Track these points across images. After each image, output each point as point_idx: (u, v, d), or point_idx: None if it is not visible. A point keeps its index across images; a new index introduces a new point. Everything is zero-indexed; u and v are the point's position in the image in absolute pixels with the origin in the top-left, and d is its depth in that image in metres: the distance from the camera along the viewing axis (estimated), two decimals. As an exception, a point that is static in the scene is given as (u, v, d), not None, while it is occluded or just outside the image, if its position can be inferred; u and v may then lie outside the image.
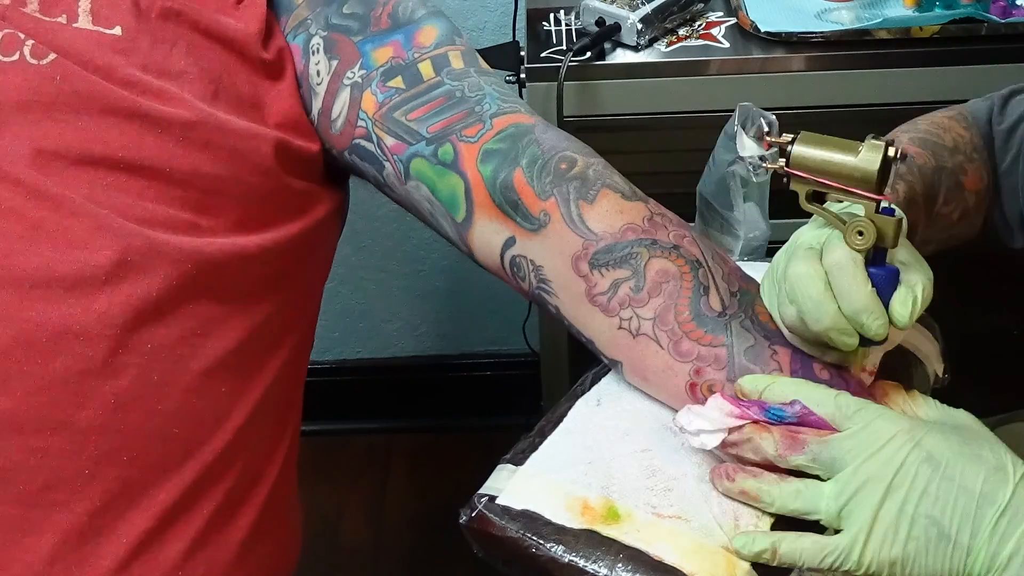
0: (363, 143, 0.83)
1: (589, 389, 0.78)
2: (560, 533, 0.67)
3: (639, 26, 1.23)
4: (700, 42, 1.25)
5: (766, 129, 0.79)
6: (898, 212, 0.68)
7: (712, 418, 0.68)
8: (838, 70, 1.22)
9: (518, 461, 0.73)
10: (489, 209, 0.79)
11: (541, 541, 0.67)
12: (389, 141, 0.82)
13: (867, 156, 0.66)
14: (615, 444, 0.73)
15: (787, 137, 0.69)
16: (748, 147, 0.78)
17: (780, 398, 0.68)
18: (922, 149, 0.85)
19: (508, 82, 1.31)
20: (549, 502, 0.69)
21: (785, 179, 0.69)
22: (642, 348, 0.73)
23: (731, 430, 0.68)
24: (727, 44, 1.24)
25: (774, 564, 0.65)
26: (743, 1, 1.27)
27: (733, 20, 1.28)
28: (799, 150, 0.68)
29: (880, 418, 0.65)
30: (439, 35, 0.85)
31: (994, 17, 1.20)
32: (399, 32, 0.85)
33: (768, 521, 0.67)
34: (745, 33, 1.25)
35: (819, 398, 0.67)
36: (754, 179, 0.79)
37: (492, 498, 0.70)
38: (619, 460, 0.71)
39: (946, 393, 0.75)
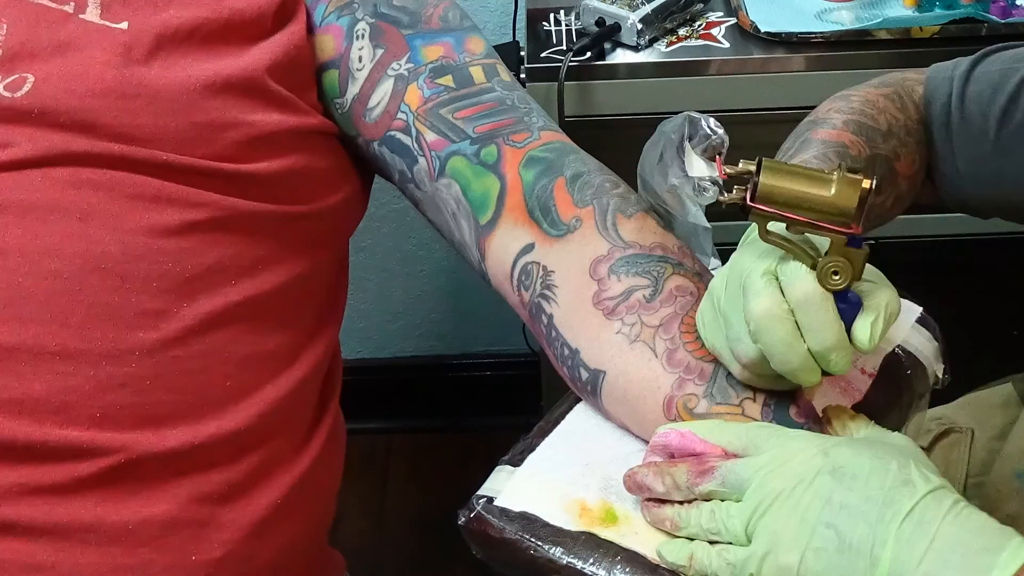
0: (399, 135, 0.83)
1: None
2: (558, 535, 0.67)
3: (639, 26, 1.23)
4: (700, 42, 1.25)
5: (718, 146, 0.74)
6: (864, 245, 0.64)
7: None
8: (838, 70, 1.22)
9: (516, 462, 0.73)
10: (518, 214, 0.79)
11: (539, 543, 0.67)
12: (430, 137, 0.82)
13: (845, 192, 0.62)
14: (613, 446, 0.73)
15: (747, 166, 0.65)
16: (698, 167, 0.73)
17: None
18: (856, 136, 0.82)
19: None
20: (547, 504, 0.69)
21: (741, 207, 0.65)
22: (635, 357, 0.72)
23: (644, 465, 0.67)
24: (727, 44, 1.24)
25: (690, 574, 0.64)
26: (743, 1, 1.27)
27: (733, 20, 1.28)
28: (767, 182, 0.63)
29: (793, 439, 0.64)
30: (486, 47, 0.87)
31: (994, 17, 1.20)
32: (450, 35, 0.86)
33: None
34: (745, 33, 1.25)
35: (731, 435, 0.65)
36: (699, 201, 0.75)
37: (490, 499, 0.70)
38: (617, 462, 0.71)
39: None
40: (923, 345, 0.78)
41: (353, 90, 0.84)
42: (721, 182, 0.68)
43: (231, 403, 0.75)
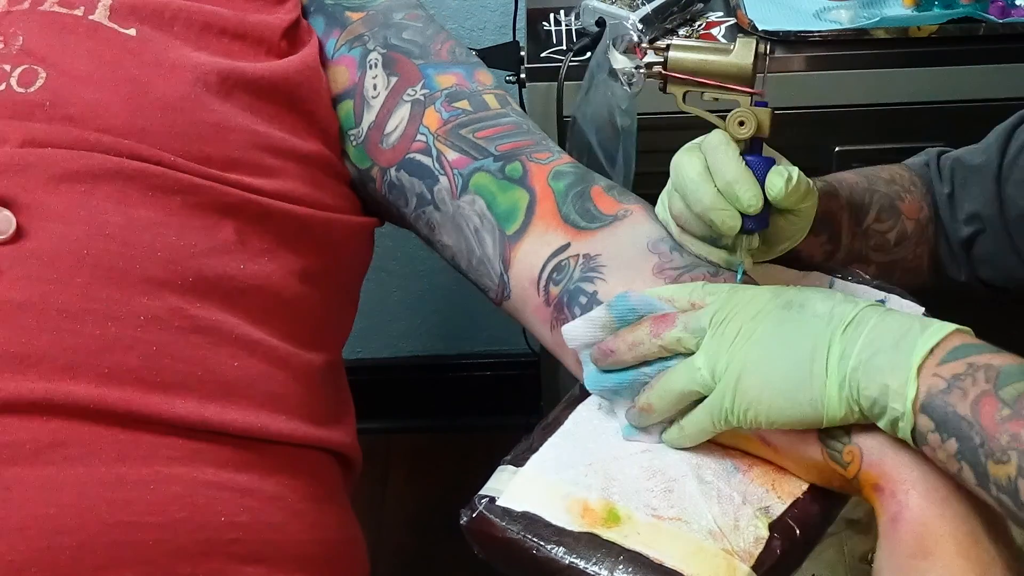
0: (418, 157, 0.84)
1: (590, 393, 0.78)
2: (560, 535, 0.67)
3: (639, 26, 1.23)
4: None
5: (636, 41, 0.83)
6: (769, 105, 0.72)
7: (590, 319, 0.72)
8: (836, 70, 1.23)
9: (519, 462, 0.72)
10: (550, 219, 0.79)
11: (542, 543, 0.67)
12: (452, 155, 0.83)
13: (740, 53, 0.71)
14: (615, 445, 0.73)
15: (662, 44, 0.74)
16: (620, 60, 0.80)
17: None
18: (855, 176, 0.89)
19: (508, 82, 1.32)
20: (549, 504, 0.69)
21: (661, 85, 0.73)
22: None
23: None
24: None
25: (686, 438, 0.69)
26: (742, 0, 1.27)
27: (733, 20, 1.29)
28: (675, 55, 0.72)
29: (745, 288, 0.69)
30: (495, 81, 0.89)
31: (992, 17, 1.20)
32: (460, 66, 0.88)
33: (766, 520, 0.67)
34: (744, 32, 1.25)
35: (687, 291, 0.71)
36: (629, 90, 0.80)
37: (493, 499, 0.70)
38: (619, 462, 0.71)
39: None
40: None
41: (369, 118, 0.85)
42: (643, 68, 0.79)
43: (239, 389, 0.75)
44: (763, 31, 1.23)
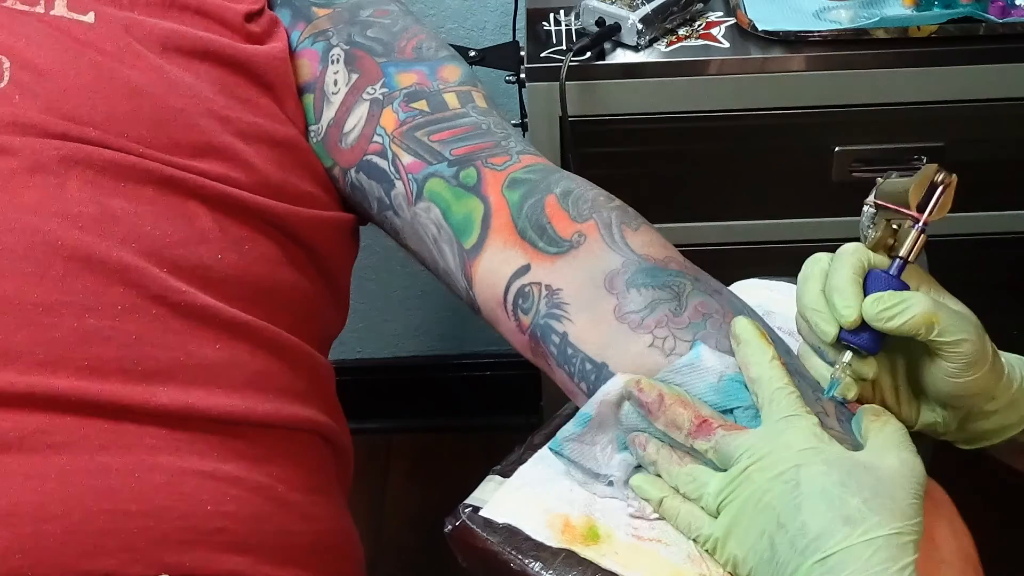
0: (375, 159, 0.83)
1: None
2: (538, 550, 0.67)
3: (639, 26, 1.23)
4: (700, 42, 1.25)
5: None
6: (923, 230, 0.67)
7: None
8: (836, 70, 1.23)
9: (507, 473, 0.72)
10: (507, 236, 0.77)
11: (519, 556, 0.67)
12: (406, 159, 0.81)
13: (917, 181, 0.68)
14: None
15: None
16: (867, 203, 0.75)
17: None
18: None
19: (508, 82, 1.32)
20: (531, 517, 0.69)
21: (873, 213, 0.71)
22: None
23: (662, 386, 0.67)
24: (727, 44, 1.25)
25: (658, 513, 0.67)
26: (742, 0, 1.27)
27: (733, 20, 1.29)
28: (881, 188, 0.71)
29: (794, 429, 0.63)
30: (462, 75, 0.86)
31: (992, 17, 1.20)
32: (423, 64, 0.86)
33: None
34: (744, 33, 1.25)
35: (768, 377, 0.66)
36: (867, 233, 0.78)
37: (476, 509, 0.70)
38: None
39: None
40: None
41: (328, 114, 0.84)
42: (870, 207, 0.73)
43: (223, 370, 0.74)
44: (763, 31, 1.23)
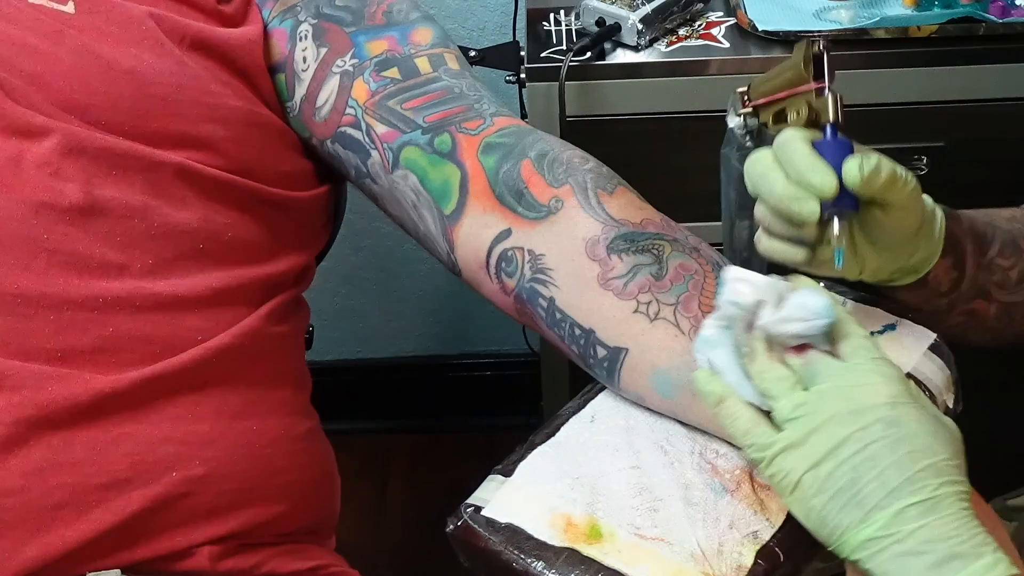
0: (349, 130, 0.83)
1: (585, 406, 0.78)
2: (541, 549, 0.67)
3: (639, 26, 1.23)
4: (700, 42, 1.25)
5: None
6: (829, 92, 0.72)
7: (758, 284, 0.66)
8: (836, 70, 1.22)
9: (508, 472, 0.73)
10: (485, 200, 0.78)
11: (522, 556, 0.67)
12: (380, 129, 0.82)
13: (794, 57, 0.73)
14: (604, 460, 0.73)
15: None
16: (732, 120, 0.80)
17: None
18: (972, 212, 0.84)
19: (508, 82, 1.32)
20: (533, 517, 0.69)
21: (755, 117, 0.75)
22: (660, 333, 0.72)
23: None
24: (727, 44, 1.25)
25: (714, 412, 0.65)
26: (742, 0, 1.27)
27: (733, 20, 1.29)
28: (752, 84, 0.76)
29: (885, 362, 0.64)
30: (434, 37, 0.86)
31: (992, 17, 1.20)
32: (394, 29, 0.86)
33: (752, 549, 0.67)
34: (744, 33, 1.25)
35: (852, 323, 0.65)
36: (748, 144, 0.80)
37: (478, 509, 0.70)
38: (607, 477, 0.71)
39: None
40: (934, 373, 0.77)
41: (300, 91, 0.85)
42: (748, 118, 0.78)
43: (198, 340, 0.76)
44: (763, 31, 1.23)
